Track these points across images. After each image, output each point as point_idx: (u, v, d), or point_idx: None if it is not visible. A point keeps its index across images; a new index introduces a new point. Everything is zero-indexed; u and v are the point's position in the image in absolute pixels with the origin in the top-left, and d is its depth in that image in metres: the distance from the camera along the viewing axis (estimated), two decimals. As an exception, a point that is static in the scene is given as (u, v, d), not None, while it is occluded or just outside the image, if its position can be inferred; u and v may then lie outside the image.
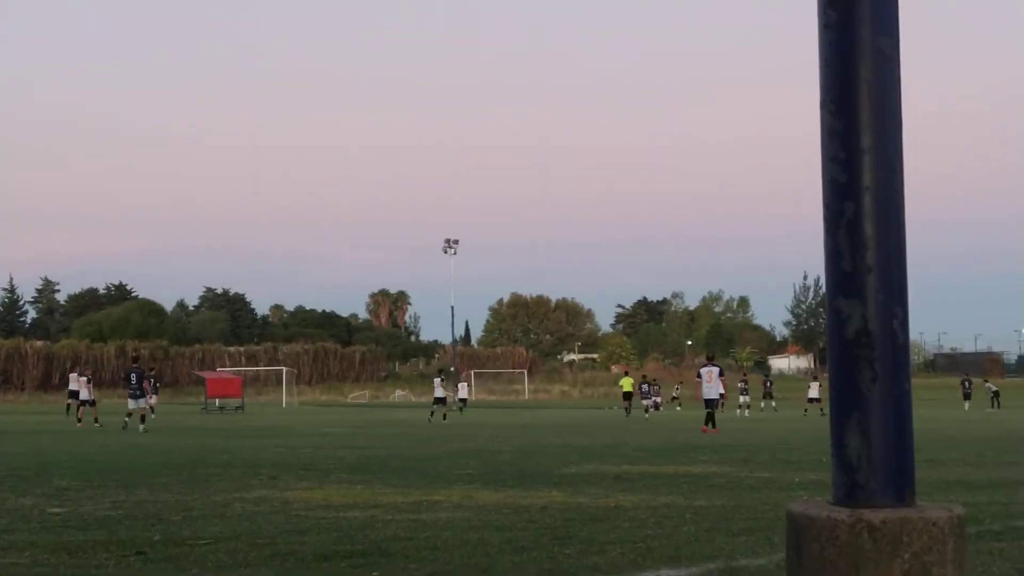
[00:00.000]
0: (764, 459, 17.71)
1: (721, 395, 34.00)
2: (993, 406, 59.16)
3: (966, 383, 61.14)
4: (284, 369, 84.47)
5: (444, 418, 40.86)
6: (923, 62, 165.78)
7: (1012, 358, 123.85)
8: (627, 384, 55.09)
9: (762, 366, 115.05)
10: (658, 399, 56.33)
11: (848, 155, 2.72)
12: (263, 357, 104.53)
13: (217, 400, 60.19)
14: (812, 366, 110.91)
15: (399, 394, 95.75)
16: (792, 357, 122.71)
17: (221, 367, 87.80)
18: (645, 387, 55.52)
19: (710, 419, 30.77)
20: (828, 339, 2.79)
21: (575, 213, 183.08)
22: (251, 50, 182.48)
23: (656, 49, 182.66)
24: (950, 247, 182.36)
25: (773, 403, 58.04)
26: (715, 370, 32.69)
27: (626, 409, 52.46)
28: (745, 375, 61.19)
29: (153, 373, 46.07)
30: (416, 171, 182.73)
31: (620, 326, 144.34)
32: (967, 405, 57.67)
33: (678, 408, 57.99)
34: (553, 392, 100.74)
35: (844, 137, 2.75)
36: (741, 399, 53.19)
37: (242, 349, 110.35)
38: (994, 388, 63.22)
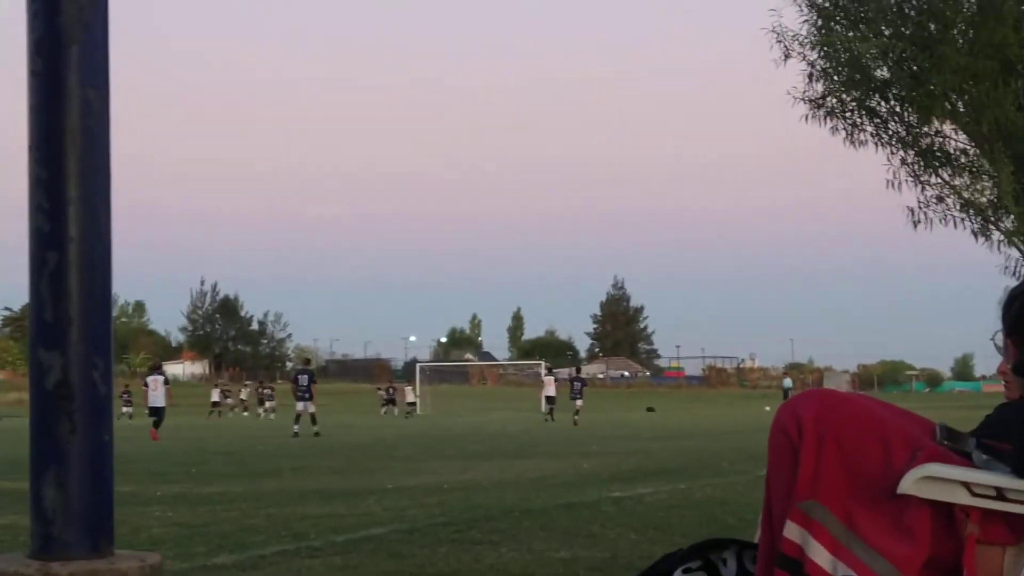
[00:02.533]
0: (134, 471, 17.41)
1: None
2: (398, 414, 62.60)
3: (389, 390, 66.09)
4: None
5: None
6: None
7: (399, 364, 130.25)
8: None
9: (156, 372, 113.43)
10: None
11: (53, 204, 2.68)
12: None
13: None
14: (207, 372, 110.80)
15: None
16: (187, 363, 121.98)
17: None
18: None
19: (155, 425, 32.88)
20: (30, 391, 2.74)
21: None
22: None
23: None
24: (340, 260, 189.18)
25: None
26: (160, 379, 35.03)
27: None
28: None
29: None
30: None
31: (7, 329, 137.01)
32: (395, 410, 61.52)
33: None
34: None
35: (49, 186, 2.70)
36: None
37: None
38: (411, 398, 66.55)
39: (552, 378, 51.49)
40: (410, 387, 65.41)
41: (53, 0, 2.79)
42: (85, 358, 2.71)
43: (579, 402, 44.38)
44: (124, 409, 54.83)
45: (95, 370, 2.72)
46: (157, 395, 33.60)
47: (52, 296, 2.73)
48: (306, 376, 35.06)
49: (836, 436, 2.73)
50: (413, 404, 61.83)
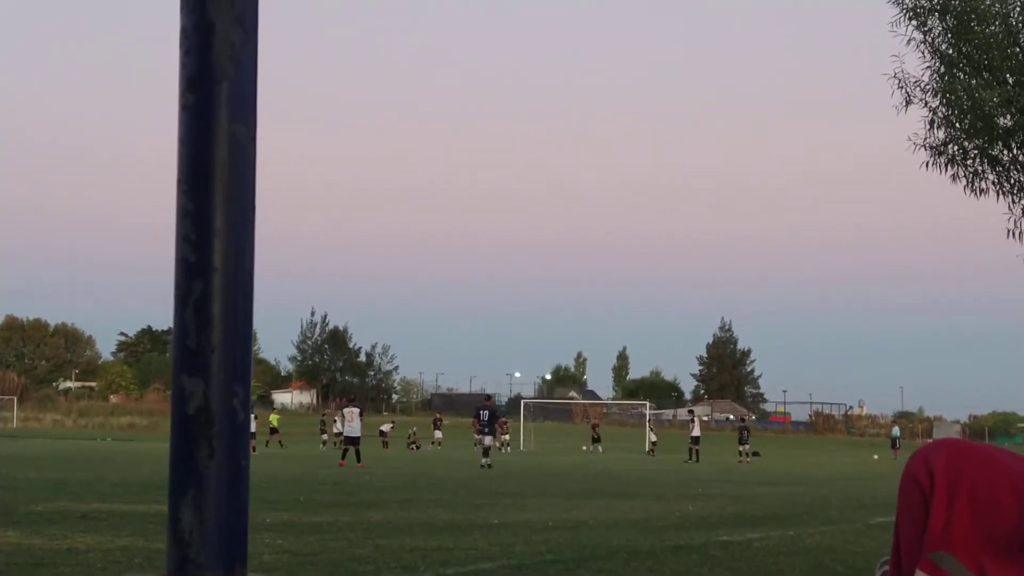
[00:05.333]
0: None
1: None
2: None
3: (595, 428, 66.52)
4: None
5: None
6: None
7: (503, 400, 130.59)
8: (274, 420, 59.83)
9: (265, 400, 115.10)
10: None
11: (199, 235, 2.75)
12: None
13: None
14: (314, 401, 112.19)
15: None
16: (296, 392, 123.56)
17: None
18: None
19: (356, 454, 34.17)
20: (171, 415, 2.81)
21: (74, 232, 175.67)
22: None
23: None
24: (448, 294, 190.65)
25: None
26: (356, 411, 36.31)
27: (279, 443, 55.59)
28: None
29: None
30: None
31: (122, 354, 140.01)
32: (599, 448, 61.51)
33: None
34: (45, 421, 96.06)
35: (196, 218, 2.78)
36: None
37: None
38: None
39: (698, 421, 53.30)
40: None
41: (205, 38, 2.87)
42: (226, 385, 2.77)
43: (747, 446, 51.53)
44: (323, 437, 56.42)
45: (235, 397, 2.77)
46: (354, 426, 35.60)
47: (196, 324, 2.79)
48: (487, 412, 36.78)
49: (968, 486, 2.70)
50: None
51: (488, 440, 35.75)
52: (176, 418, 2.87)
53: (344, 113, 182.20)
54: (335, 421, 56.68)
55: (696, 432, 50.92)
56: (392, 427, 66.25)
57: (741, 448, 52.20)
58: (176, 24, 2.79)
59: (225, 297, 2.85)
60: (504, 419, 58.84)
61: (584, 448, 61.93)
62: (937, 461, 2.79)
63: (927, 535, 2.75)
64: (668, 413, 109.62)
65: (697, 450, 49.79)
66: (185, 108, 2.92)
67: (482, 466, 33.67)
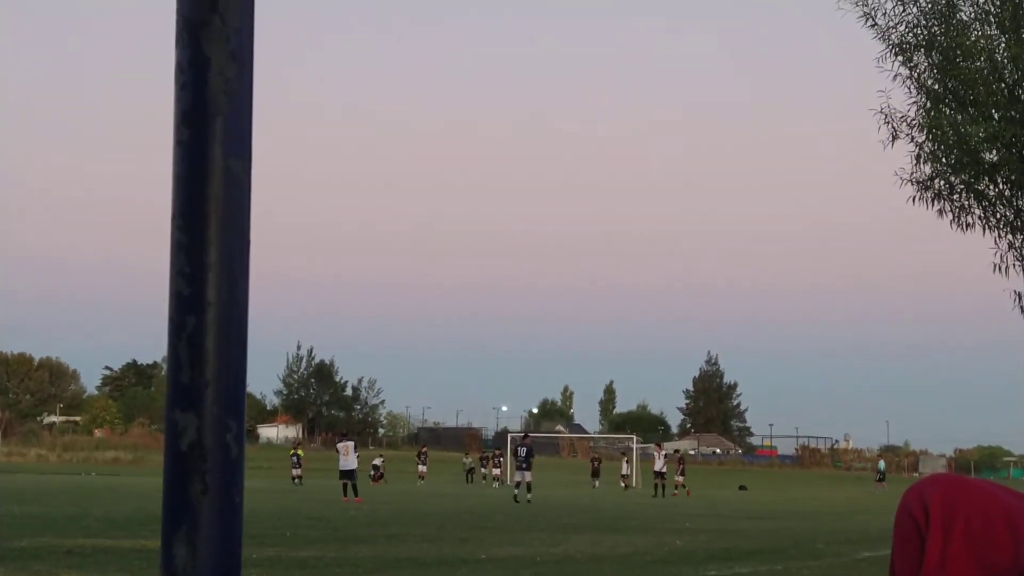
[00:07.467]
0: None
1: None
2: (469, 481, 63.11)
3: (595, 462, 65.75)
4: None
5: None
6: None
7: (490, 433, 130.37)
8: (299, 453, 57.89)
9: (250, 435, 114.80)
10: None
11: (193, 269, 2.74)
12: None
13: None
14: (299, 435, 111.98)
15: None
16: (282, 426, 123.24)
17: None
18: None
19: (353, 489, 34.36)
20: (164, 450, 2.80)
21: (59, 266, 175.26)
22: None
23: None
24: (434, 328, 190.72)
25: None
26: (350, 444, 36.72)
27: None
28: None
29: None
30: None
31: (107, 388, 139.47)
32: (596, 483, 60.71)
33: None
34: (29, 456, 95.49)
35: (190, 252, 2.76)
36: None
37: None
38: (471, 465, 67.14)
39: (663, 452, 52.96)
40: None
41: (200, 73, 2.87)
42: (219, 420, 2.74)
43: (683, 478, 50.54)
44: (295, 472, 53.89)
45: (228, 432, 2.75)
46: (349, 460, 35.73)
47: (189, 359, 2.76)
48: (524, 449, 37.66)
49: (964, 521, 2.70)
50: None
51: (528, 476, 36.37)
52: (169, 453, 2.86)
53: (337, 141, 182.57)
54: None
55: (659, 467, 50.41)
56: (383, 461, 65.96)
57: (678, 480, 50.87)
58: (171, 59, 2.79)
59: (219, 331, 2.84)
60: (499, 453, 58.78)
61: (595, 485, 61.19)
62: (932, 496, 2.78)
63: (923, 570, 2.74)
64: (650, 447, 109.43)
65: (660, 484, 48.96)
66: (180, 143, 2.92)
67: (516, 499, 34.70)
